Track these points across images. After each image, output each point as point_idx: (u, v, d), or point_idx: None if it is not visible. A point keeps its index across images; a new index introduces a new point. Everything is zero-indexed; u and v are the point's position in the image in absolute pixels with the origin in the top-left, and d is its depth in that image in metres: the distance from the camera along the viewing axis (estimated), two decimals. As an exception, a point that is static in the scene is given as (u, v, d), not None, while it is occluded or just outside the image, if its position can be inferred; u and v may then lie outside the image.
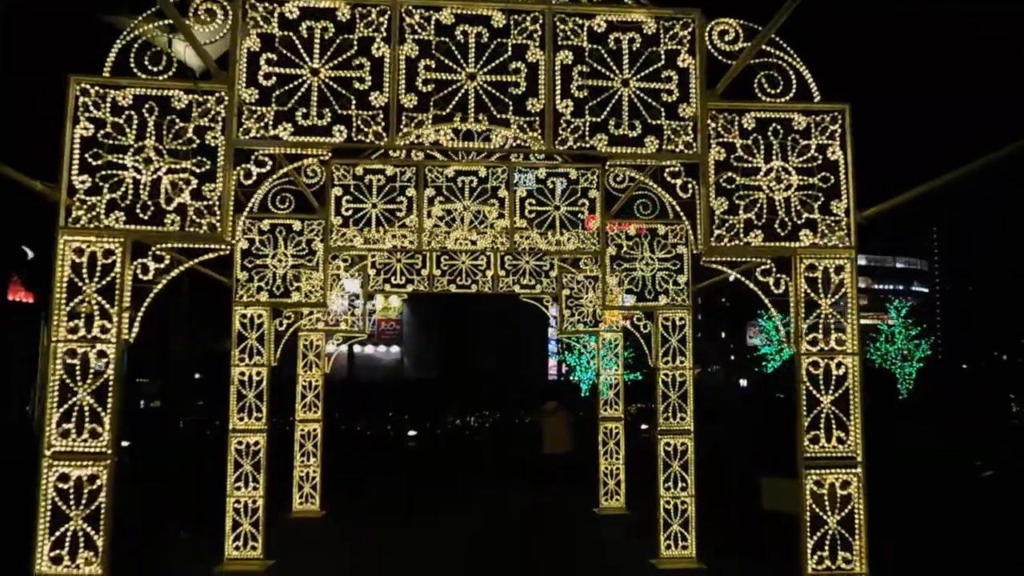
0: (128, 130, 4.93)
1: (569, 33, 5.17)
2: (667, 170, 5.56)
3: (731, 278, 5.99)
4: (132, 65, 4.93)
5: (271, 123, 4.97)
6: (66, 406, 4.77)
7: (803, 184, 5.38)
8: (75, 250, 4.86)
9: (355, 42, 5.03)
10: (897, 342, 47.11)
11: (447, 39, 5.09)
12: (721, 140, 5.34)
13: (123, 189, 4.89)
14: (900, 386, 46.14)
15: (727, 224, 5.32)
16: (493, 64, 5.10)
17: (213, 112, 4.99)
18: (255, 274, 8.16)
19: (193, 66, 5.42)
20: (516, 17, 5.14)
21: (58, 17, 18.47)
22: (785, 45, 5.29)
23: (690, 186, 5.51)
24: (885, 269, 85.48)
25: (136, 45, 4.93)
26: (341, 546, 10.15)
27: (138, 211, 4.89)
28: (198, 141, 4.98)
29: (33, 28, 19.54)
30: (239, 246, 8.04)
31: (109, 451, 4.77)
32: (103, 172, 4.88)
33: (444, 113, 5.06)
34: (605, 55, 5.18)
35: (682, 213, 5.63)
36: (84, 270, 4.85)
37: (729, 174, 5.33)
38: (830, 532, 5.27)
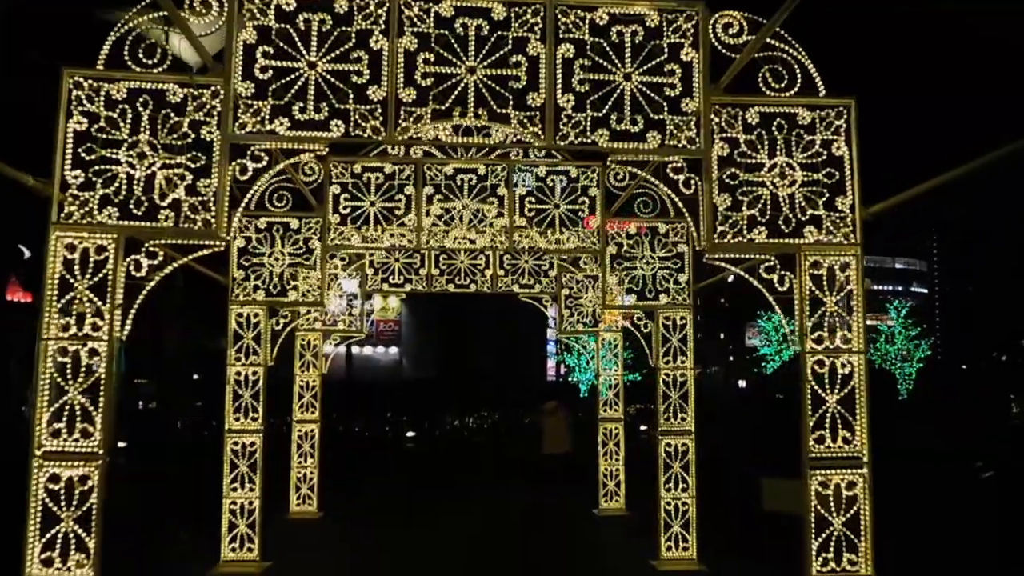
0: (122, 124, 4.85)
1: (571, 26, 5.09)
2: (669, 166, 5.46)
3: (731, 278, 5.92)
4: (126, 58, 4.85)
5: (267, 117, 4.88)
6: (57, 405, 4.69)
7: (808, 180, 5.30)
8: (67, 246, 4.78)
9: (353, 35, 4.94)
10: (897, 343, 47.02)
11: (447, 32, 5.00)
12: (724, 135, 5.26)
13: (116, 184, 4.81)
14: (900, 386, 46.03)
15: (730, 220, 5.24)
16: (493, 57, 5.02)
17: (208, 106, 4.91)
18: (251, 272, 8.07)
19: (190, 63, 5.34)
20: (517, 9, 5.06)
21: (57, 17, 18.40)
22: (790, 39, 5.20)
23: (693, 182, 5.39)
24: (885, 270, 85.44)
25: (130, 38, 4.85)
26: (339, 547, 10.07)
27: (132, 207, 4.82)
28: (193, 136, 4.90)
29: (33, 28, 19.47)
30: (235, 244, 7.95)
31: (101, 451, 4.69)
32: (96, 167, 4.80)
33: (443, 108, 4.98)
34: (607, 48, 5.10)
35: (684, 210, 5.52)
36: (76, 266, 4.77)
37: (732, 170, 5.25)
38: (835, 533, 5.19)
